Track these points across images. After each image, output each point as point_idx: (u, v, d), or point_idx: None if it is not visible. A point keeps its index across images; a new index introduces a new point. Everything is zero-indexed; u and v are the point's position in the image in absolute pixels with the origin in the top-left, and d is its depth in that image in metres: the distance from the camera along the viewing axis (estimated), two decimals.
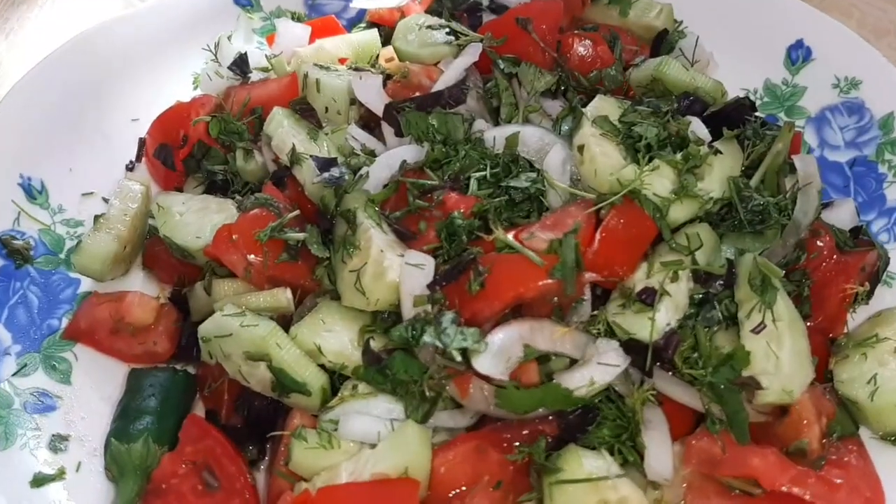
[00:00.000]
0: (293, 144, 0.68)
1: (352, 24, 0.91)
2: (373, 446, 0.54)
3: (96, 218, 0.73)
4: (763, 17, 0.85)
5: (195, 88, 0.87)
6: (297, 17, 0.93)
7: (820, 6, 1.01)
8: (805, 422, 0.56)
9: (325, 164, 0.66)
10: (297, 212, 0.64)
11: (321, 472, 0.54)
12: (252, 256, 0.62)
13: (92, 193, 0.79)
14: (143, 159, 0.82)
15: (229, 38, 0.86)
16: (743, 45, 0.84)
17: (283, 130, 0.70)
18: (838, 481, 0.54)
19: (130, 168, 0.82)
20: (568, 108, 0.70)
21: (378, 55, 0.83)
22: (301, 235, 0.63)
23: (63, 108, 0.81)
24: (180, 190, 0.78)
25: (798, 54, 0.83)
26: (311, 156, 0.67)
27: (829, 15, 0.99)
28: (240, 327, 0.58)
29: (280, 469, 0.57)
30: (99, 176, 0.80)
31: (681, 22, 0.88)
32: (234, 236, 0.62)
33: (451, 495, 0.53)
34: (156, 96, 0.86)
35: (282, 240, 0.62)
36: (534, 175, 0.65)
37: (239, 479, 0.56)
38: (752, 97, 0.83)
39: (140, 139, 0.82)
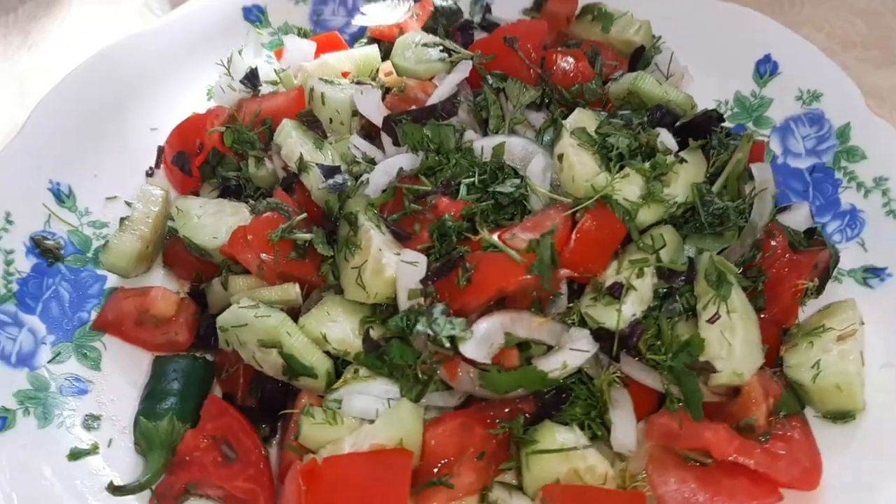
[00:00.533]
0: (301, 153, 0.75)
1: (354, 40, 0.97)
2: (372, 422, 0.61)
3: (122, 220, 0.80)
4: (734, 34, 0.90)
5: (209, 100, 0.93)
6: (303, 33, 0.99)
7: (795, 20, 1.08)
8: (753, 401, 0.62)
9: (329, 171, 0.73)
10: (304, 215, 0.71)
11: (326, 445, 0.61)
12: (264, 255, 0.69)
13: (115, 197, 0.85)
14: (162, 166, 0.89)
15: (240, 52, 0.93)
16: (716, 59, 0.90)
17: (292, 140, 0.77)
18: (781, 452, 0.60)
19: (150, 174, 0.89)
20: (550, 120, 0.77)
21: (378, 69, 0.90)
22: (308, 236, 0.70)
23: (87, 118, 0.87)
24: (197, 194, 0.84)
25: (766, 68, 0.89)
26: (317, 164, 0.73)
27: (803, 28, 1.06)
28: (254, 318, 0.65)
29: (290, 443, 0.63)
30: (121, 181, 0.86)
31: (659, 38, 0.94)
32: (248, 237, 0.69)
33: (440, 464, 0.60)
34: (173, 107, 0.92)
35: (291, 240, 0.69)
36: (518, 181, 0.72)
37: (254, 451, 0.63)
38: (723, 108, 0.89)
39: (159, 147, 0.89)
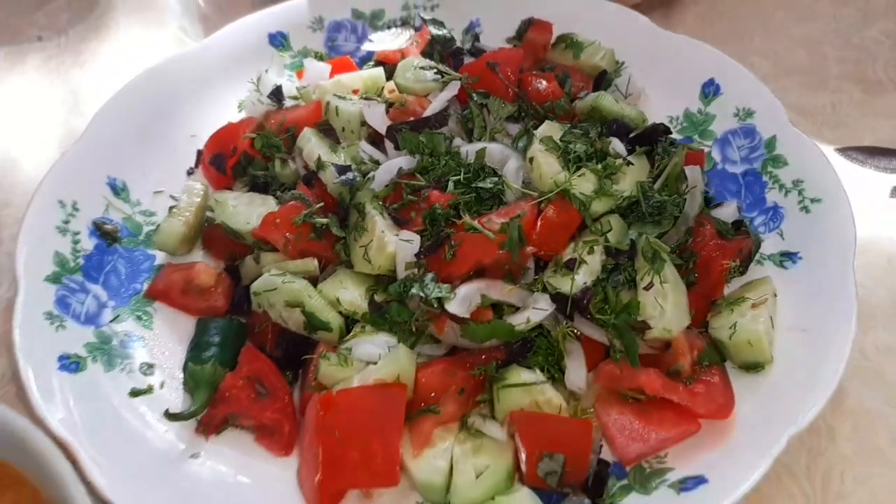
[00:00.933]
0: (319, 155, 0.90)
1: (363, 62, 1.13)
2: (375, 364, 0.76)
3: (170, 208, 0.95)
4: (684, 61, 1.05)
5: (240, 111, 1.09)
6: (319, 56, 1.15)
7: (746, 49, 1.23)
8: (680, 352, 0.77)
9: (342, 169, 0.88)
10: (321, 204, 0.86)
11: (339, 382, 0.76)
12: (289, 234, 0.85)
13: (161, 191, 0.99)
14: (200, 166, 1.05)
15: (267, 72, 1.09)
16: (668, 81, 1.04)
17: (311, 145, 0.93)
18: (700, 391, 0.75)
19: (190, 172, 1.04)
20: (524, 130, 0.93)
21: (383, 87, 1.06)
22: (325, 220, 0.85)
23: (138, 125, 1.02)
24: (230, 189, 1.01)
25: (710, 90, 1.04)
26: (332, 163, 0.89)
27: (753, 56, 1.22)
28: (282, 283, 0.81)
29: (310, 383, 0.78)
30: (166, 178, 1.01)
31: (621, 63, 1.11)
32: (277, 221, 0.85)
33: (429, 398, 0.75)
34: (209, 117, 1.07)
35: (311, 223, 0.85)
36: (496, 179, 0.87)
37: (281, 390, 0.78)
38: (674, 122, 1.05)
39: (198, 151, 1.03)
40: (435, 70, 0.97)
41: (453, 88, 0.94)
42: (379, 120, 0.93)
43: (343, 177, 0.87)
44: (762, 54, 1.22)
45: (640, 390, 0.76)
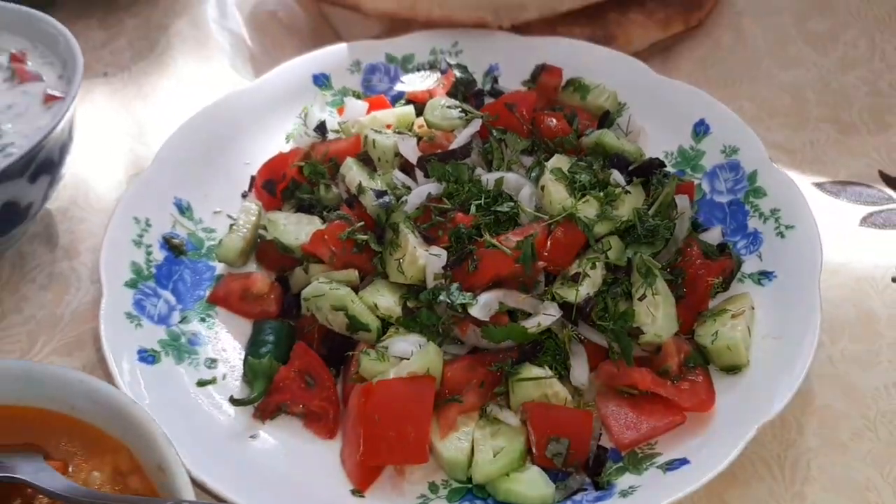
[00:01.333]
0: (360, 181, 1.05)
1: (395, 100, 1.27)
2: (408, 359, 0.90)
3: (230, 226, 1.10)
4: (679, 103, 1.18)
5: (287, 142, 1.23)
6: (357, 95, 1.30)
7: (735, 93, 1.36)
8: (669, 355, 0.90)
9: (379, 193, 1.02)
10: (362, 223, 1.01)
11: (378, 375, 0.90)
12: (334, 249, 0.99)
13: (220, 212, 1.14)
14: (253, 190, 1.20)
15: (311, 107, 1.25)
16: (665, 121, 1.18)
17: (353, 172, 1.07)
18: (684, 387, 0.88)
19: (245, 195, 1.17)
20: (536, 162, 1.07)
21: (413, 123, 1.21)
22: (365, 237, 0.99)
23: (199, 153, 1.17)
24: (280, 210, 1.15)
25: (700, 129, 1.18)
26: (371, 189, 1.04)
27: (740, 100, 1.35)
28: (329, 290, 0.94)
29: (352, 376, 0.92)
30: (223, 200, 1.15)
31: (623, 104, 1.25)
32: (324, 237, 0.99)
33: (454, 389, 0.89)
34: (260, 147, 1.21)
35: (353, 240, 0.99)
36: (512, 204, 1.00)
37: (327, 381, 0.91)
38: (669, 157, 1.18)
39: (251, 176, 1.18)
40: (459, 109, 1.12)
41: (476, 125, 1.08)
42: (411, 152, 1.07)
43: (380, 200, 1.01)
44: (750, 98, 1.36)
45: (634, 386, 0.89)
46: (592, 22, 1.36)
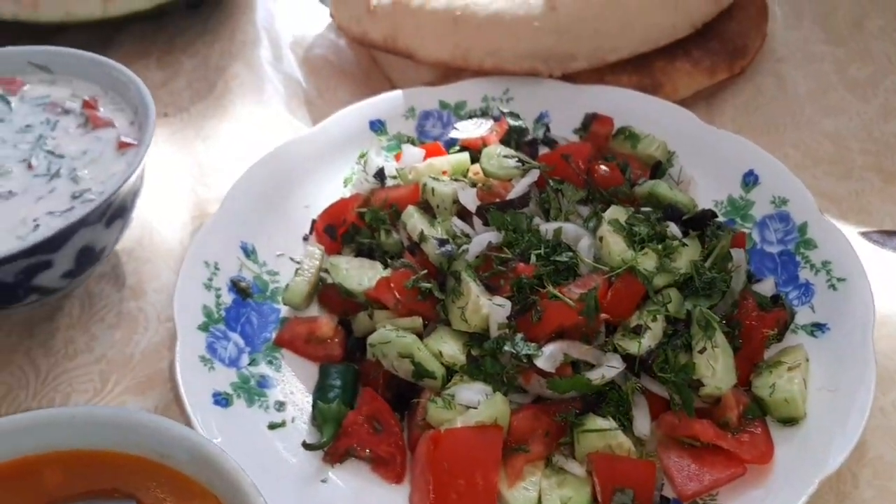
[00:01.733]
0: (422, 229, 1.09)
1: (448, 145, 1.32)
2: (475, 408, 0.92)
3: (296, 270, 1.14)
4: (728, 153, 1.21)
5: (345, 186, 1.28)
6: (411, 141, 1.34)
7: (779, 141, 1.39)
8: (729, 407, 0.92)
9: (442, 242, 1.06)
10: (426, 271, 1.05)
11: (444, 423, 0.92)
12: (399, 296, 1.03)
13: (282, 254, 1.19)
14: (314, 233, 1.23)
15: (367, 153, 1.29)
16: (713, 170, 1.21)
17: (414, 220, 1.10)
18: (744, 439, 0.91)
19: (305, 239, 1.22)
20: (593, 213, 1.11)
21: (468, 169, 1.25)
22: (429, 285, 1.03)
23: (263, 198, 1.21)
24: (339, 254, 1.19)
25: (750, 179, 1.21)
26: (433, 237, 1.07)
27: (784, 147, 1.38)
28: (395, 337, 0.97)
29: (418, 422, 0.95)
30: (285, 243, 1.18)
31: (673, 153, 1.28)
32: (390, 284, 1.03)
33: (520, 439, 0.91)
34: (319, 190, 1.24)
35: (418, 288, 1.03)
36: (570, 254, 1.04)
37: (394, 427, 0.95)
38: (719, 206, 1.21)
39: (312, 220, 1.23)
40: (516, 159, 1.16)
41: (533, 176, 1.12)
42: (471, 201, 1.11)
43: (443, 249, 1.04)
44: (793, 145, 1.39)
45: (695, 437, 0.91)
46: (640, 70, 1.39)
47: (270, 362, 1.06)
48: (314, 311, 1.13)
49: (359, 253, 1.16)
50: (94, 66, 1.26)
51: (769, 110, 1.46)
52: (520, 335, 0.94)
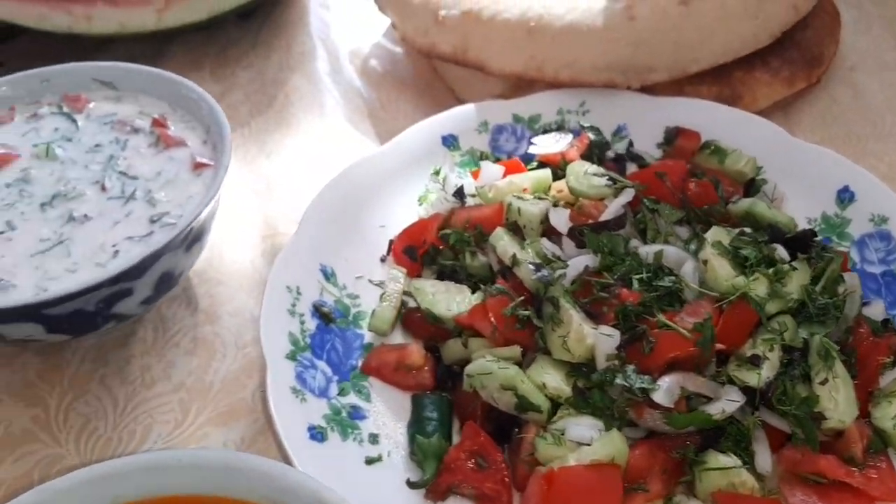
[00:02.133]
0: (514, 253, 1.04)
1: (524, 161, 1.28)
2: (588, 444, 0.88)
3: (381, 294, 1.09)
4: (822, 169, 1.17)
5: (420, 205, 1.25)
6: (485, 156, 1.30)
7: (861, 152, 1.34)
8: (853, 441, 0.88)
9: (538, 266, 1.02)
10: (523, 297, 1.00)
11: (554, 460, 0.88)
12: (496, 324, 0.99)
13: (361, 277, 1.15)
14: (391, 254, 1.19)
15: (446, 170, 1.24)
16: (807, 188, 1.16)
17: (504, 243, 1.06)
18: (872, 475, 0.86)
19: (383, 260, 1.18)
20: (693, 234, 1.06)
21: (550, 187, 1.21)
22: (527, 312, 0.99)
23: (338, 218, 1.16)
24: (419, 276, 1.15)
25: (845, 196, 1.16)
26: (527, 261, 1.03)
27: (867, 159, 1.33)
28: (498, 369, 0.93)
29: (524, 458, 0.91)
30: (363, 265, 1.14)
31: (761, 167, 1.24)
32: (487, 311, 0.98)
33: (637, 477, 0.87)
34: (394, 209, 1.20)
35: (516, 315, 0.99)
36: (672, 278, 1.00)
37: (500, 463, 0.91)
38: (813, 224, 1.17)
39: (389, 241, 1.19)
40: (607, 177, 1.11)
41: (628, 195, 1.07)
42: (563, 222, 1.07)
43: (539, 273, 1.00)
44: (877, 157, 1.34)
45: (821, 474, 0.86)
46: (719, 81, 1.35)
47: (359, 391, 1.01)
48: (397, 336, 1.09)
49: (440, 275, 1.12)
50: (162, 83, 1.22)
51: (847, 120, 1.42)
52: (631, 367, 0.90)
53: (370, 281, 1.13)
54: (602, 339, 0.93)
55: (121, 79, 1.23)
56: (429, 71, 1.55)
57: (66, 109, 1.21)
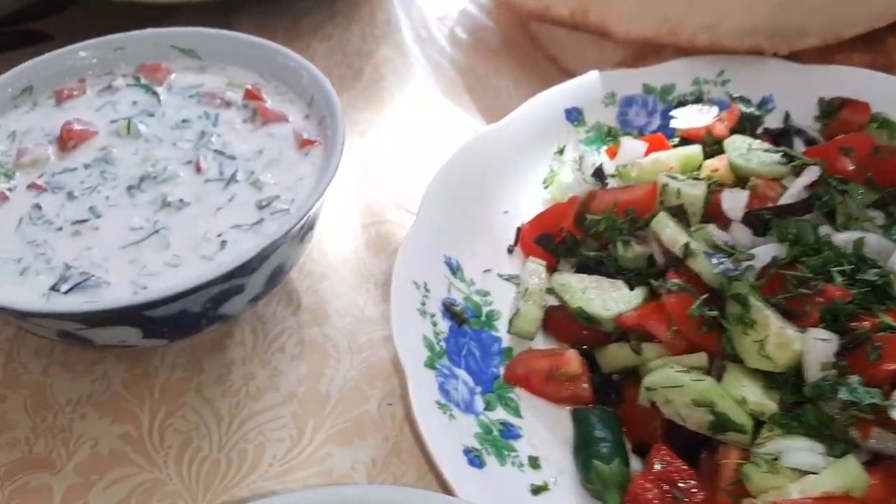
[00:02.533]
0: (686, 242, 0.89)
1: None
2: (814, 473, 0.73)
3: (524, 291, 0.94)
4: None
5: (546, 188, 1.10)
6: (614, 132, 1.15)
7: None
8: None
9: (718, 258, 0.87)
10: (707, 295, 0.85)
11: (769, 491, 0.73)
12: (678, 326, 0.84)
13: (489, 270, 0.99)
14: (519, 244, 1.04)
15: (563, 149, 1.09)
16: None
17: (670, 230, 0.91)
18: None
19: (510, 251, 1.03)
20: (892, 219, 0.91)
21: (701, 165, 1.05)
22: (714, 313, 0.84)
23: (459, 203, 1.00)
24: (554, 269, 1.00)
25: None
26: (704, 252, 0.88)
27: None
28: (689, 381, 0.79)
29: (725, 488, 0.76)
30: (490, 257, 0.99)
31: None
32: (667, 313, 0.83)
33: None
34: (516, 192, 1.05)
35: (702, 316, 0.84)
36: (876, 270, 0.85)
37: (697, 494, 0.76)
38: None
39: (517, 228, 1.03)
40: (781, 154, 0.96)
41: (813, 174, 0.92)
42: (738, 207, 0.91)
43: (722, 266, 0.85)
44: None
45: None
46: (872, 48, 1.19)
47: (507, 405, 0.87)
48: (539, 342, 0.94)
49: (580, 268, 0.97)
50: (252, 50, 1.07)
51: None
52: (856, 378, 0.75)
53: (499, 275, 0.98)
54: (814, 345, 0.77)
55: (204, 46, 1.08)
56: (523, 39, 1.39)
57: (144, 81, 1.06)
